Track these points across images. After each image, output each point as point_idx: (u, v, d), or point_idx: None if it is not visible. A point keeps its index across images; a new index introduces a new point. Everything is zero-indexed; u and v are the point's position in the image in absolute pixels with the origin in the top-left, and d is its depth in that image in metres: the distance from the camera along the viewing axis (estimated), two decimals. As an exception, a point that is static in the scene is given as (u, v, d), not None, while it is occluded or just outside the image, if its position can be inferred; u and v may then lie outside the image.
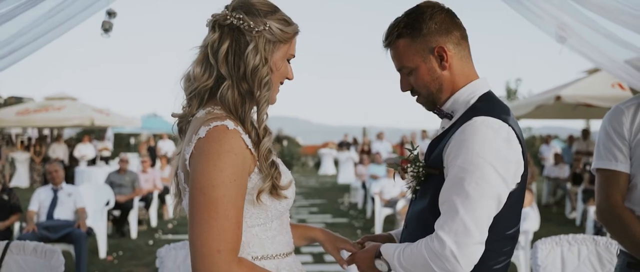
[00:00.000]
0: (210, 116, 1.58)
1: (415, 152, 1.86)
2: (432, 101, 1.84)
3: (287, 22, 1.66)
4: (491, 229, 1.63)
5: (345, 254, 2.02)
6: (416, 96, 1.87)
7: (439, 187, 1.69)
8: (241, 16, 1.59)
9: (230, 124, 1.53)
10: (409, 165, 1.83)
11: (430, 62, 1.77)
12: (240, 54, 1.59)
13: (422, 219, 1.79)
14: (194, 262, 1.49)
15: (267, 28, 1.60)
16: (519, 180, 1.69)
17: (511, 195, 1.67)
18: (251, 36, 1.59)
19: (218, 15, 1.63)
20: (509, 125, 1.66)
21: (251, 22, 1.59)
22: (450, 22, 1.79)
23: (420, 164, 1.82)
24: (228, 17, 1.60)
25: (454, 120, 1.79)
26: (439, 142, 1.79)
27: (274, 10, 1.65)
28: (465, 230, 1.57)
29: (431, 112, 1.90)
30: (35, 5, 2.79)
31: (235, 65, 1.60)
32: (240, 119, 1.60)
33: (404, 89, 1.87)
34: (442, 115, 1.85)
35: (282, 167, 1.70)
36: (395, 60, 1.84)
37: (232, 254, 1.49)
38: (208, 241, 1.46)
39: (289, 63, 1.72)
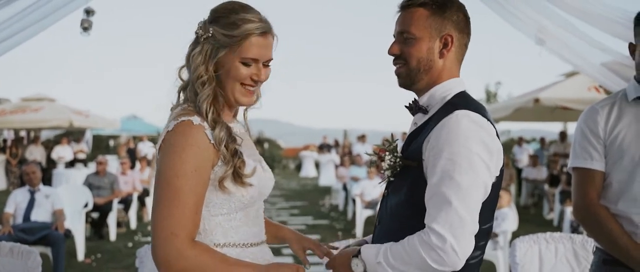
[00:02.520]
0: (182, 112, 1.73)
1: (394, 144, 1.87)
2: (411, 77, 1.84)
3: (236, 25, 1.72)
4: None
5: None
6: (399, 64, 1.86)
7: (415, 181, 1.71)
8: (201, 26, 1.78)
9: (196, 119, 1.69)
10: (386, 153, 1.84)
11: (433, 43, 1.80)
12: (191, 59, 1.77)
13: (397, 214, 1.80)
14: (153, 245, 1.64)
15: (210, 34, 1.74)
16: (498, 173, 1.72)
17: (493, 186, 1.71)
18: (200, 42, 1.76)
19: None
20: (489, 121, 1.71)
21: (201, 31, 1.76)
22: (466, 26, 1.85)
23: (398, 155, 1.84)
24: (197, 28, 1.79)
25: (429, 115, 1.81)
26: (417, 135, 1.80)
27: (227, 14, 1.75)
28: (460, 221, 1.58)
29: (404, 99, 1.92)
30: (11, 3, 2.75)
31: (191, 69, 1.78)
32: (203, 115, 1.72)
33: (392, 51, 1.85)
34: (417, 109, 1.86)
35: (248, 160, 1.79)
36: (404, 24, 1.83)
37: (188, 238, 1.62)
38: (166, 226, 1.60)
39: (249, 66, 1.76)
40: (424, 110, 1.84)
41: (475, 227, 1.62)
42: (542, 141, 17.18)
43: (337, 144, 21.73)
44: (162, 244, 1.61)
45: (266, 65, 1.81)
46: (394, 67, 1.88)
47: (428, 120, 1.79)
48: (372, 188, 9.36)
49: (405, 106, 1.92)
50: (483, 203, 1.68)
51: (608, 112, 2.35)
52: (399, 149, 1.89)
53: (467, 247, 1.59)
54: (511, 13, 3.44)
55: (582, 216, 2.39)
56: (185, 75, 1.83)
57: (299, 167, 23.65)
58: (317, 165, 20.82)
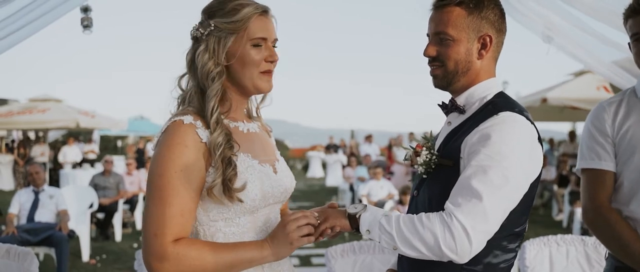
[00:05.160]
0: (178, 112, 1.70)
1: (432, 142, 1.84)
2: (448, 79, 1.79)
3: (236, 10, 1.69)
4: (504, 225, 1.63)
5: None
6: (436, 65, 1.80)
7: (449, 181, 1.66)
8: (198, 27, 1.73)
9: (187, 118, 1.64)
10: (423, 149, 1.80)
11: (472, 44, 1.76)
12: (195, 59, 1.71)
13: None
14: (142, 243, 1.61)
15: (212, 28, 1.69)
16: (535, 177, 1.69)
17: (530, 187, 1.68)
18: (203, 40, 1.71)
19: (191, 30, 1.76)
20: (532, 124, 1.69)
21: (201, 29, 1.71)
22: (503, 23, 1.81)
23: (434, 153, 1.78)
24: (193, 31, 1.74)
25: (467, 115, 1.78)
26: (455, 135, 1.76)
27: (222, 6, 1.71)
28: (485, 218, 1.55)
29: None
30: (10, 3, 2.72)
31: (197, 71, 1.71)
32: (205, 117, 1.67)
33: (428, 52, 1.80)
34: (453, 108, 1.82)
35: (248, 171, 1.68)
36: (440, 24, 1.77)
37: (170, 238, 1.56)
38: (149, 225, 1.57)
39: (260, 47, 1.72)
40: (461, 110, 1.80)
41: (495, 228, 1.59)
42: (551, 141, 17.08)
43: (344, 144, 21.66)
44: (145, 245, 1.58)
45: (273, 46, 1.76)
46: (430, 68, 1.82)
47: (466, 121, 1.76)
48: (379, 189, 9.34)
49: (439, 105, 1.88)
50: (518, 204, 1.65)
51: (615, 109, 2.24)
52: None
53: (481, 245, 1.58)
54: (517, 9, 3.36)
55: (590, 219, 2.25)
56: (185, 83, 1.77)
57: (306, 168, 23.60)
58: (324, 165, 20.77)
